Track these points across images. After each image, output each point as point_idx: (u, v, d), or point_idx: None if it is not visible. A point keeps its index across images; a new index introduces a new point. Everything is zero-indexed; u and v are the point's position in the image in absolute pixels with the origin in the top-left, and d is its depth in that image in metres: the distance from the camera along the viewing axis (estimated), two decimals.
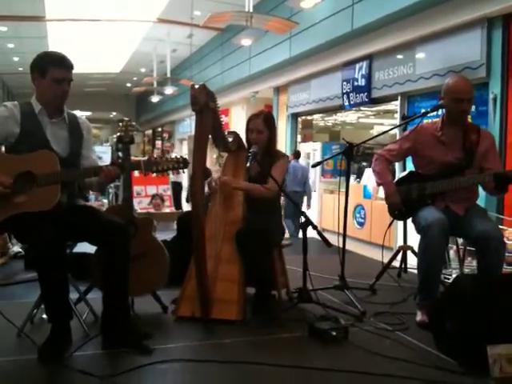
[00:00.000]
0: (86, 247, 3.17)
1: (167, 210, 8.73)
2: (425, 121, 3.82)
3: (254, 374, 2.61)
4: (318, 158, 9.69)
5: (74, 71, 2.96)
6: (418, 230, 3.40)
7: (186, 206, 10.63)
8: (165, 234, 4.52)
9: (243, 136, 3.84)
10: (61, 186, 2.77)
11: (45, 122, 2.93)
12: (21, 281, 4.46)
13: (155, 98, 17.30)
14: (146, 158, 3.09)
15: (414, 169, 3.74)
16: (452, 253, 4.61)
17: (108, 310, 2.90)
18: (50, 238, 2.64)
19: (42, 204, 2.72)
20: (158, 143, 25.60)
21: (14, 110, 2.88)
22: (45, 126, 2.92)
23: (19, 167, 2.75)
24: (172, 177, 9.61)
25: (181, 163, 2.97)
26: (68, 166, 2.86)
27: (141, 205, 8.52)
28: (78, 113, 3.20)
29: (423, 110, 3.76)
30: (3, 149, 3.03)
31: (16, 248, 5.48)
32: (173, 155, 3.10)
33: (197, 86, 3.17)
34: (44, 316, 2.99)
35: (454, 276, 4.34)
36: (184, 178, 11.67)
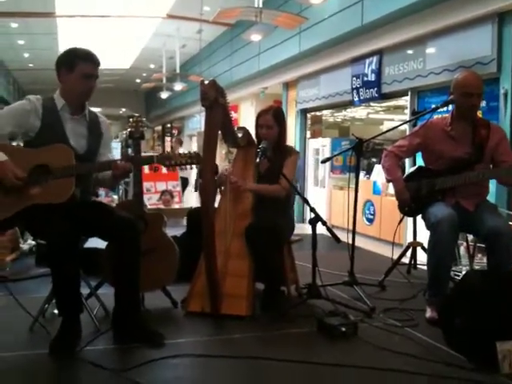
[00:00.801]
0: (96, 243, 3.20)
1: (176, 206, 8.76)
2: (435, 116, 3.81)
3: (263, 369, 2.63)
4: (328, 154, 9.64)
5: None
6: (428, 227, 3.39)
7: (194, 200, 10.66)
8: (175, 230, 4.54)
9: (253, 132, 3.85)
10: (75, 180, 2.80)
11: (65, 118, 2.94)
12: (32, 276, 4.49)
13: (164, 94, 17.30)
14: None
15: (423, 164, 3.73)
16: (462, 249, 4.60)
17: (119, 305, 2.93)
18: (64, 230, 2.66)
19: (56, 196, 2.75)
20: (168, 139, 25.66)
21: (36, 103, 2.89)
22: (65, 122, 2.94)
23: (34, 160, 2.78)
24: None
25: (194, 158, 2.98)
26: (85, 162, 2.88)
27: (150, 201, 8.54)
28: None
29: (433, 106, 3.75)
30: (21, 144, 3.06)
31: (28, 242, 5.52)
32: (180, 151, 3.11)
33: (207, 82, 3.18)
34: (55, 311, 3.01)
35: (464, 273, 4.32)
36: (191, 173, 11.68)
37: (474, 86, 3.39)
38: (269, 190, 3.64)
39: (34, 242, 5.39)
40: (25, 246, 5.45)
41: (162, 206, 8.22)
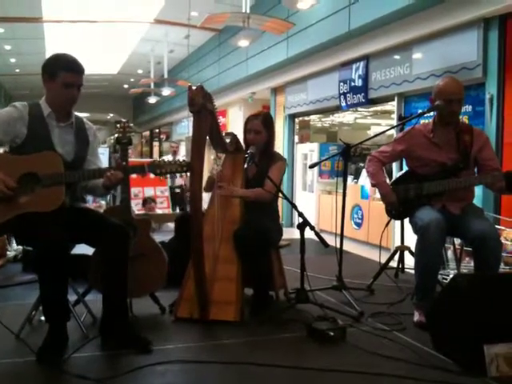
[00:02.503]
0: (84, 249, 3.18)
1: (159, 212, 8.76)
2: (421, 121, 3.83)
3: (252, 374, 2.62)
4: (316, 159, 9.67)
5: None
6: (415, 231, 3.41)
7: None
8: (162, 235, 4.53)
9: (241, 137, 3.85)
10: (65, 188, 2.78)
11: (52, 126, 2.92)
12: (19, 282, 4.46)
13: (152, 99, 17.25)
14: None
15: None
16: (449, 253, 4.63)
17: (107, 311, 2.91)
18: (53, 237, 2.64)
19: (47, 205, 2.73)
20: (156, 144, 25.60)
21: (22, 111, 2.87)
22: (52, 129, 2.92)
23: (23, 168, 2.75)
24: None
25: (184, 167, 2.98)
26: (72, 170, 2.86)
27: (138, 206, 8.53)
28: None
29: (420, 111, 3.78)
30: (3, 150, 3.03)
31: (14, 249, 5.48)
32: (180, 157, 3.10)
33: (194, 88, 3.18)
34: (42, 318, 2.99)
35: (451, 276, 4.35)
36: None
37: (453, 92, 3.43)
38: (256, 194, 3.63)
39: (20, 248, 5.35)
40: (11, 253, 5.41)
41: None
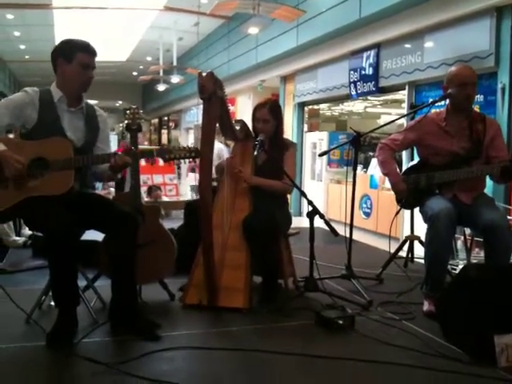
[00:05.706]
0: (94, 235, 3.19)
1: (165, 199, 8.78)
2: (432, 110, 3.80)
3: (260, 361, 2.62)
4: (325, 148, 9.63)
5: None
6: (426, 220, 3.39)
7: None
8: (172, 223, 4.53)
9: (250, 125, 3.84)
10: (74, 173, 2.78)
11: (62, 111, 2.93)
12: (29, 268, 4.49)
13: (161, 87, 17.25)
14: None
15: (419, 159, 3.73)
16: (459, 243, 4.61)
17: (116, 298, 2.92)
18: (62, 222, 2.65)
19: (56, 189, 2.74)
20: (164, 132, 25.64)
21: (33, 95, 2.88)
22: (62, 114, 2.92)
23: (33, 152, 2.76)
24: None
25: (193, 152, 2.97)
26: (82, 155, 2.86)
27: (144, 195, 8.56)
28: None
29: (431, 100, 3.74)
30: (12, 135, 3.04)
31: (25, 234, 5.51)
32: None
33: (205, 74, 3.17)
34: (52, 303, 3.00)
35: (460, 266, 4.33)
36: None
37: (468, 75, 3.41)
38: (274, 186, 3.63)
39: (29, 232, 5.37)
40: (20, 240, 5.43)
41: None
